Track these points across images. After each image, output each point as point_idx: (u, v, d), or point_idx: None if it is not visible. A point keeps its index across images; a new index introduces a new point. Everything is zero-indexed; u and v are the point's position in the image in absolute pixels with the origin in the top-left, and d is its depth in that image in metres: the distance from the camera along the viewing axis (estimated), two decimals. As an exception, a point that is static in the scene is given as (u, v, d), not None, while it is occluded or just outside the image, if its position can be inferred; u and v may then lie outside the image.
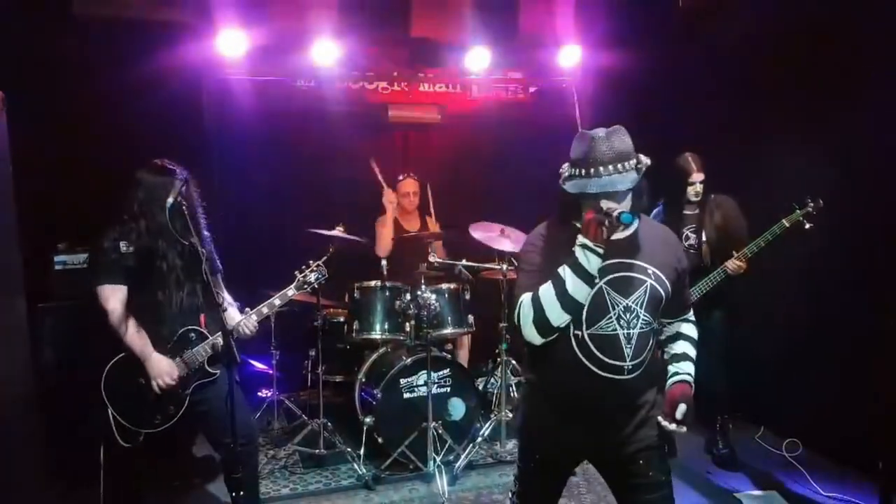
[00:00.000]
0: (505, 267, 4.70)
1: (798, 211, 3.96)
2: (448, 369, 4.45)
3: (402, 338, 4.63)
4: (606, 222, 2.14)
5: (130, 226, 3.05)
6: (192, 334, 3.15)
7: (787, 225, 3.98)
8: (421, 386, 4.34)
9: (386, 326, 4.60)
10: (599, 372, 2.28)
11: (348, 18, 5.34)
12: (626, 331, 2.28)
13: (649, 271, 2.30)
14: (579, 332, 2.28)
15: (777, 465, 4.38)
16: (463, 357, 5.27)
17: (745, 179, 4.60)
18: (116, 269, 3.03)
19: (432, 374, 4.27)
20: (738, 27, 4.90)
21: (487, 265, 4.87)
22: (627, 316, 2.28)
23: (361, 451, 4.32)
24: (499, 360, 4.84)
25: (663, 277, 2.32)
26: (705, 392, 4.44)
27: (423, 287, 4.49)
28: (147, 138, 4.69)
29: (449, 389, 4.44)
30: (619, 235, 2.25)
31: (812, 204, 3.95)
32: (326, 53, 5.23)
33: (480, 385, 5.27)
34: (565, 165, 2.28)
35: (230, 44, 5.00)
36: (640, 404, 2.37)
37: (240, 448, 2.99)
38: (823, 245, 4.12)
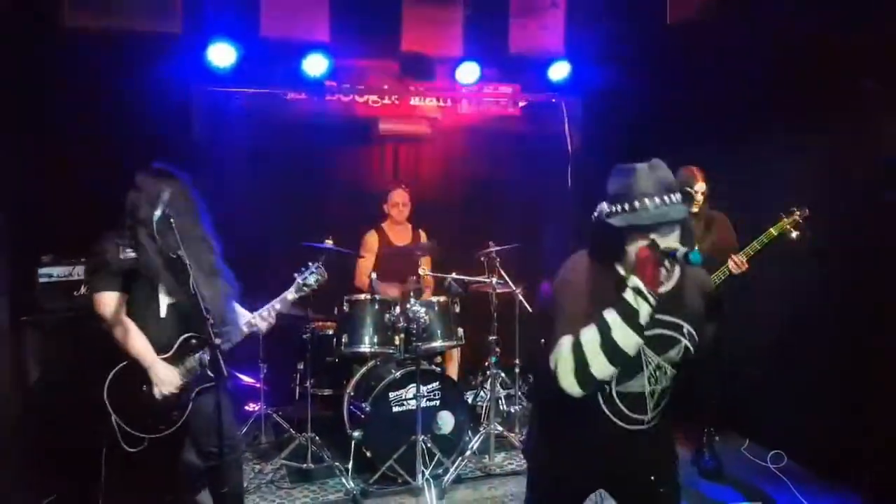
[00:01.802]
0: (494, 280, 4.71)
1: (785, 220, 4.00)
2: (437, 382, 4.44)
3: (391, 351, 4.61)
4: (666, 262, 1.98)
5: (125, 234, 3.03)
6: (193, 340, 3.13)
7: (775, 234, 4.01)
8: (410, 399, 4.33)
9: (375, 340, 4.58)
10: (621, 424, 2.19)
11: (339, 31, 5.36)
12: (652, 387, 2.18)
13: (685, 330, 2.17)
14: (607, 388, 2.17)
15: (762, 477, 4.40)
16: (452, 370, 5.26)
17: (733, 192, 4.64)
18: (114, 276, 3.01)
19: (421, 387, 4.26)
20: (726, 42, 4.96)
21: (477, 278, 4.89)
22: (657, 374, 2.17)
23: (350, 466, 4.29)
24: (488, 373, 4.84)
25: (696, 335, 2.19)
26: (694, 404, 4.48)
27: (413, 300, 4.49)
28: (136, 150, 4.66)
29: (438, 403, 4.43)
30: (664, 288, 2.08)
31: (798, 213, 3.99)
32: (317, 66, 5.23)
33: (470, 398, 5.27)
34: (603, 204, 2.11)
35: (220, 56, 5.00)
36: (658, 447, 2.31)
37: (224, 458, 2.97)
38: (808, 258, 4.16)
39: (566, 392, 2.03)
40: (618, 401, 2.17)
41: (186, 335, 3.12)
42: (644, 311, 1.98)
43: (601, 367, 1.99)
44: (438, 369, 4.61)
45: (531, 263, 5.60)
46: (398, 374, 4.34)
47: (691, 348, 2.17)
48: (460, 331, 4.74)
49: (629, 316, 1.98)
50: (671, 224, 2.04)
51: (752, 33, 4.78)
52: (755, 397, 4.85)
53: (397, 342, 4.59)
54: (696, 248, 2.00)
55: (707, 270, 4.19)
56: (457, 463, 4.34)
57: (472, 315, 5.14)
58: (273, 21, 5.24)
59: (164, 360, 3.07)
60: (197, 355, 3.11)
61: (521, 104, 6.20)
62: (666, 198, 2.02)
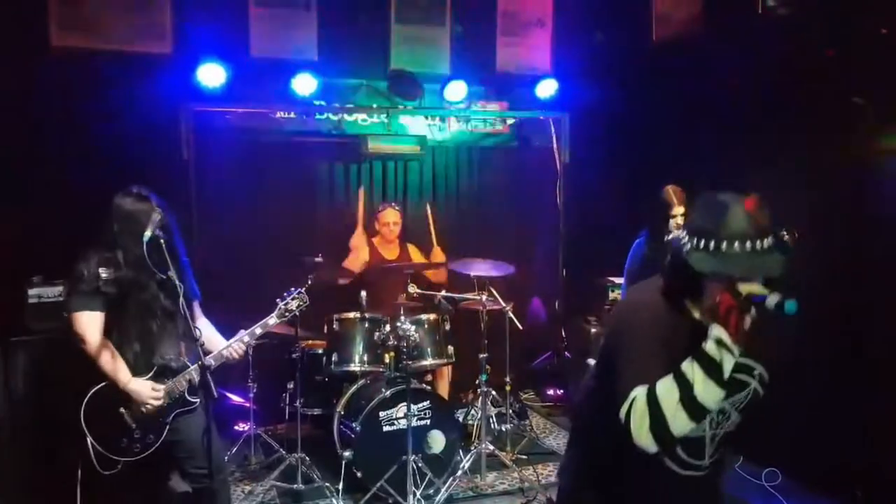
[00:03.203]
0: (485, 297, 4.71)
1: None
2: (428, 401, 4.43)
3: (381, 369, 4.60)
4: (753, 311, 1.77)
5: (108, 255, 3.02)
6: (173, 364, 3.12)
7: None
8: (400, 419, 4.31)
9: (365, 358, 4.57)
10: (678, 470, 2.01)
11: (327, 51, 5.40)
12: (713, 431, 2.00)
13: (756, 373, 1.98)
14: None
15: (757, 495, 4.38)
16: (443, 389, 5.25)
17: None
18: (94, 296, 2.99)
19: (412, 406, 4.24)
20: (711, 60, 5.02)
21: (467, 296, 4.89)
22: (719, 418, 1.99)
23: (340, 486, 4.26)
24: (479, 391, 4.83)
25: (767, 377, 2.01)
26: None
27: (403, 318, 4.48)
28: (126, 169, 4.67)
29: (429, 422, 4.41)
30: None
31: (788, 235, 4.00)
32: (306, 85, 5.26)
33: (461, 417, 5.24)
34: (684, 234, 1.89)
35: (210, 76, 5.02)
36: (706, 492, 2.12)
37: (212, 479, 2.96)
38: (800, 275, 4.17)
39: (640, 448, 1.83)
40: (678, 447, 1.97)
41: (167, 358, 3.11)
42: (728, 364, 1.78)
43: (682, 424, 1.79)
44: (429, 388, 4.60)
45: (521, 280, 5.61)
46: (388, 392, 4.32)
47: (760, 391, 2.01)
48: (450, 349, 4.73)
49: (712, 370, 1.77)
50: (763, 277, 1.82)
51: (737, 51, 4.84)
52: (750, 414, 4.85)
53: (387, 360, 4.57)
54: (792, 296, 1.76)
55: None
56: (448, 483, 4.31)
57: (463, 333, 5.13)
58: (262, 41, 5.28)
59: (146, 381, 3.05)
60: (178, 378, 3.09)
61: (510, 122, 6.24)
62: (759, 244, 1.79)
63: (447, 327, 4.76)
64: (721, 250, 1.79)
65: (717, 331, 1.79)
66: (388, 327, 4.52)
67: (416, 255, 5.55)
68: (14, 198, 4.27)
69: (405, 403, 4.20)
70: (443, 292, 4.71)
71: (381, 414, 4.31)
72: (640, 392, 1.81)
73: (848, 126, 4.07)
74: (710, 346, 1.78)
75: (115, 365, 3.01)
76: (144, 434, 3.07)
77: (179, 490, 3.29)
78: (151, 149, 4.88)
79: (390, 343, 4.46)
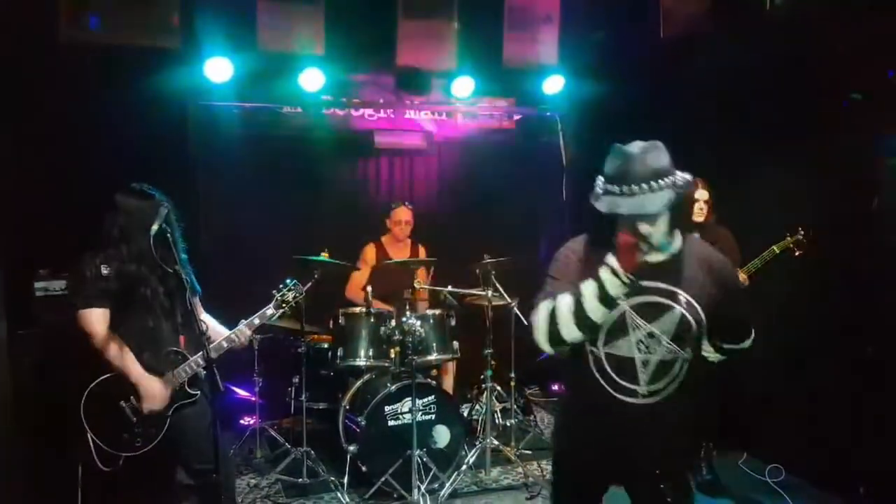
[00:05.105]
0: (490, 293, 4.71)
1: (789, 238, 4.00)
2: (433, 396, 4.44)
3: (386, 364, 4.61)
4: (642, 246, 2.07)
5: (112, 250, 3.03)
6: (174, 356, 3.13)
7: (777, 251, 4.01)
8: (405, 413, 4.32)
9: (370, 353, 4.58)
10: (613, 393, 2.25)
11: (334, 46, 5.40)
12: (644, 356, 2.21)
13: (680, 298, 2.19)
14: (596, 349, 2.26)
15: (760, 491, 4.38)
16: (448, 384, 5.25)
17: (726, 205, 4.65)
18: (98, 292, 3.00)
19: (417, 401, 4.25)
20: (719, 56, 5.00)
21: (472, 291, 4.89)
22: (648, 341, 2.21)
23: (345, 480, 4.27)
24: (484, 386, 4.84)
25: (697, 306, 2.20)
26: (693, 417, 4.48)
27: (409, 313, 4.49)
28: (133, 164, 4.68)
29: (434, 416, 4.43)
30: (658, 258, 2.18)
31: (803, 233, 3.99)
32: (313, 81, 5.26)
33: (465, 412, 5.26)
34: (599, 180, 2.20)
35: (217, 71, 5.02)
36: (661, 431, 2.27)
37: (213, 476, 2.96)
38: (808, 273, 4.17)
39: (539, 345, 2.23)
40: (605, 362, 2.24)
41: (169, 350, 3.12)
42: (615, 289, 2.08)
43: (569, 331, 2.15)
44: (434, 383, 4.61)
45: (526, 276, 5.60)
46: (393, 387, 4.33)
47: (691, 320, 2.18)
48: (455, 344, 4.74)
49: (602, 291, 2.09)
50: (648, 216, 2.09)
51: (746, 47, 4.81)
52: (754, 410, 4.85)
53: (393, 355, 4.58)
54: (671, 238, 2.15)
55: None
56: (452, 477, 4.32)
57: (468, 328, 5.14)
58: (269, 36, 5.27)
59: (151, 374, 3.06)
60: (177, 370, 3.10)
61: (517, 117, 6.23)
62: (654, 183, 2.08)
63: (452, 323, 4.76)
64: (622, 192, 2.09)
65: (610, 259, 2.10)
66: (393, 322, 4.53)
67: (424, 256, 5.51)
68: (20, 191, 4.29)
69: (410, 398, 4.21)
70: (448, 287, 4.71)
71: (387, 408, 4.33)
72: (546, 303, 2.20)
73: (855, 123, 4.05)
74: (602, 270, 2.10)
75: (125, 359, 3.02)
76: (145, 428, 3.07)
77: (184, 483, 3.29)
78: (158, 143, 4.89)
79: (396, 338, 4.48)
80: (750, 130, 4.84)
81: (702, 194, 4.21)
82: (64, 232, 4.43)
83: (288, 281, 3.48)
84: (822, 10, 4.24)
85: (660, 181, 2.08)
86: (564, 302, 2.15)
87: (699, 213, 4.21)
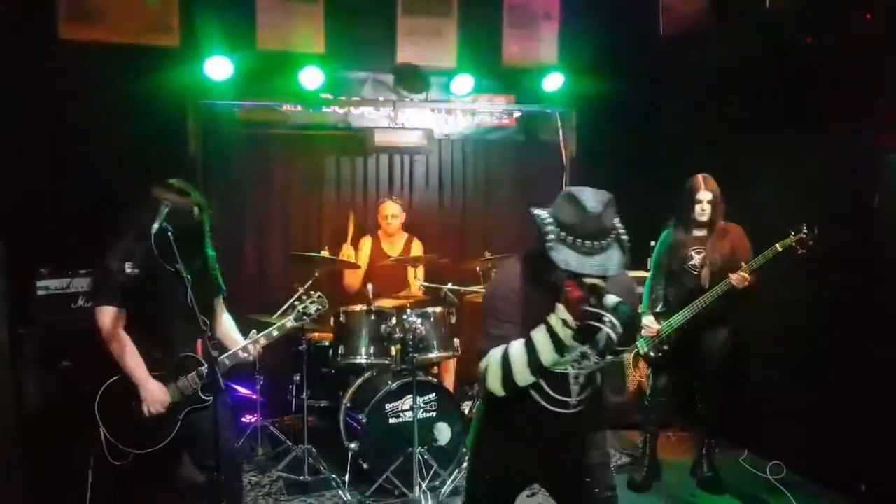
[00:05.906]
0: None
1: (792, 236, 3.98)
2: (434, 394, 4.44)
3: (387, 362, 4.61)
4: (592, 300, 2.08)
5: (135, 247, 3.01)
6: (189, 361, 3.12)
7: (780, 249, 3.99)
8: (406, 411, 4.33)
9: (371, 351, 4.58)
10: (546, 405, 2.37)
11: (334, 44, 5.40)
12: (576, 371, 2.35)
13: (605, 319, 2.18)
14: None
15: (761, 488, 4.38)
16: (449, 381, 5.26)
17: (726, 202, 4.65)
18: (119, 290, 2.99)
19: (418, 398, 4.25)
20: (719, 54, 5.01)
21: (473, 288, 4.89)
22: (581, 359, 2.32)
23: (346, 478, 4.28)
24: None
25: (619, 323, 2.22)
26: (694, 414, 4.49)
27: (409, 311, 4.49)
28: (133, 162, 4.70)
29: (435, 414, 4.43)
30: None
31: (806, 231, 3.97)
32: (312, 79, 5.26)
33: (466, 409, 5.26)
34: (550, 223, 2.17)
35: (217, 69, 5.02)
36: (585, 433, 2.46)
37: (223, 471, 2.97)
38: (809, 271, 4.16)
39: (491, 391, 2.27)
40: (542, 381, 2.30)
41: (184, 354, 3.11)
42: (567, 339, 2.13)
43: (524, 378, 2.20)
44: (435, 380, 4.61)
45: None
46: (394, 385, 4.34)
47: (614, 335, 2.23)
48: (456, 341, 4.74)
49: (556, 340, 2.14)
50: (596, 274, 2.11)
51: (746, 45, 4.82)
52: (755, 407, 4.85)
53: (393, 353, 4.59)
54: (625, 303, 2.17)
55: (714, 282, 4.20)
56: (454, 474, 4.32)
57: (468, 325, 5.14)
58: (269, 35, 5.29)
59: (158, 377, 3.05)
60: (191, 375, 3.10)
61: (516, 115, 6.23)
62: (605, 242, 2.12)
63: (453, 320, 4.76)
64: (576, 245, 2.10)
65: (561, 312, 2.11)
66: (394, 320, 4.53)
67: (417, 251, 5.52)
68: (21, 190, 4.29)
69: (411, 395, 4.22)
70: (449, 285, 4.71)
71: (388, 406, 4.33)
72: (497, 351, 2.21)
73: (857, 120, 4.05)
74: (554, 321, 2.13)
75: (134, 360, 3.01)
76: (157, 428, 3.07)
77: (195, 480, 3.30)
78: (158, 141, 4.90)
79: (396, 336, 4.47)
80: (750, 127, 4.84)
81: (704, 195, 4.18)
82: (64, 232, 4.45)
83: (312, 293, 3.44)
84: (821, 7, 4.24)
85: (613, 234, 2.15)
86: (517, 351, 2.19)
87: (702, 213, 4.19)
